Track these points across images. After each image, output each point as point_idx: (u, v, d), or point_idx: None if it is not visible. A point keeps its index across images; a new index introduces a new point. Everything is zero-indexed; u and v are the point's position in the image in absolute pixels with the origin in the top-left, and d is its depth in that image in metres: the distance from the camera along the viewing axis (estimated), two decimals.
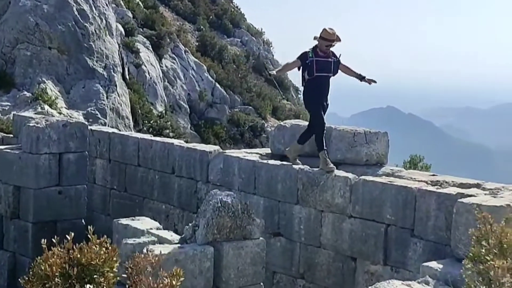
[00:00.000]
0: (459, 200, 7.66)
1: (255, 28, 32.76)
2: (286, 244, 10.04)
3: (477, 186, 8.74)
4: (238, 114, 24.77)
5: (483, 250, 5.38)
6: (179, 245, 7.56)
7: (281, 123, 11.58)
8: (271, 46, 32.77)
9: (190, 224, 7.81)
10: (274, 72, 10.45)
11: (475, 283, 5.38)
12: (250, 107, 25.68)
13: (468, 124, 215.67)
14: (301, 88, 10.16)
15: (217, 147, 11.89)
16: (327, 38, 9.48)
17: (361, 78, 9.99)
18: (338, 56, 9.74)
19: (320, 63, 9.53)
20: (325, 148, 9.52)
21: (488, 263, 5.24)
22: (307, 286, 9.83)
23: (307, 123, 10.28)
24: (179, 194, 11.85)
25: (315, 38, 9.59)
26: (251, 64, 28.02)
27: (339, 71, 9.84)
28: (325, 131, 9.67)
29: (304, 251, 9.83)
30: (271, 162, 10.42)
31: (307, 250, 9.79)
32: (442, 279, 7.24)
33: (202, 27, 28.79)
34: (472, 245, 5.50)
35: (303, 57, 9.57)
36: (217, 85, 25.12)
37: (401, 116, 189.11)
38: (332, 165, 9.45)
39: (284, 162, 10.28)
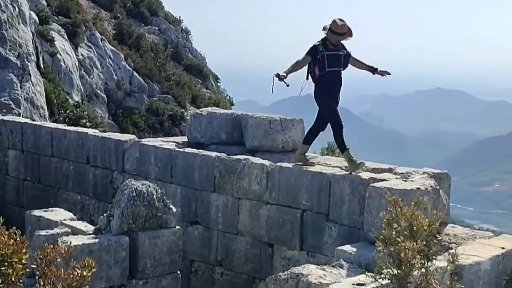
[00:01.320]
0: (372, 184, 7.85)
1: (173, 16, 32.39)
2: (204, 232, 10.03)
3: (389, 170, 8.95)
4: (157, 103, 24.46)
5: (394, 233, 5.52)
6: (93, 235, 7.45)
7: (198, 111, 11.53)
8: (190, 34, 32.49)
9: (104, 214, 7.70)
10: (285, 74, 8.81)
11: (386, 264, 5.52)
12: (169, 96, 25.38)
13: (383, 111, 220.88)
14: (311, 85, 9.12)
15: (132, 136, 11.73)
16: (337, 32, 8.80)
17: (373, 70, 9.30)
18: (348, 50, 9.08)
19: (332, 57, 8.87)
20: (347, 147, 8.88)
21: (399, 245, 5.38)
22: (225, 273, 9.86)
23: (224, 111, 10.24)
24: (94, 185, 11.64)
25: (324, 29, 8.92)
26: (169, 53, 27.67)
27: (349, 65, 9.18)
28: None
29: (222, 239, 9.84)
30: (188, 150, 10.37)
31: (224, 238, 9.81)
32: (356, 262, 7.41)
33: (119, 15, 28.26)
34: (383, 228, 5.64)
35: (313, 51, 8.85)
36: (135, 73, 24.72)
37: None
38: (360, 161, 8.81)
39: (201, 150, 10.25)
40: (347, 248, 7.59)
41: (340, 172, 8.88)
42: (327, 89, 8.98)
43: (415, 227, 5.58)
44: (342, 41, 8.96)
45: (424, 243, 5.51)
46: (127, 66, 24.85)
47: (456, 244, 8.02)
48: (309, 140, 9.41)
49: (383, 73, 9.32)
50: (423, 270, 5.52)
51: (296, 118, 10.47)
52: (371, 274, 5.76)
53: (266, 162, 9.39)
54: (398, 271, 5.42)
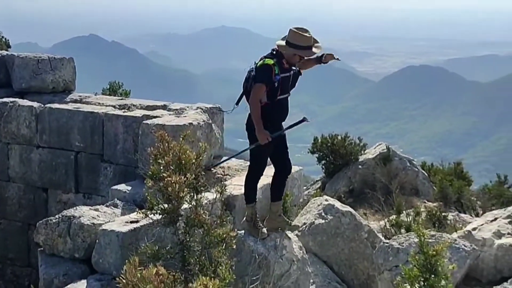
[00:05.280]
0: (144, 121, 7.77)
1: None
2: None
3: (163, 107, 8.92)
4: None
5: (162, 168, 5.50)
6: None
7: None
8: None
9: None
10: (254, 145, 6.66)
11: (156, 200, 5.50)
12: None
13: (170, 50, 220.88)
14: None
15: None
16: (304, 46, 6.41)
17: (320, 60, 6.88)
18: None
19: (285, 80, 6.49)
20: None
21: (166, 179, 5.37)
22: None
23: None
24: None
25: (280, 45, 6.50)
26: None
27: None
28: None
29: None
30: None
31: None
32: (131, 200, 7.35)
33: None
34: (151, 164, 5.59)
35: (268, 76, 6.34)
36: None
37: (104, 44, 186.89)
38: (291, 222, 7.04)
39: None
40: (122, 187, 7.50)
41: (113, 111, 8.68)
42: (272, 123, 6.62)
43: (183, 161, 5.59)
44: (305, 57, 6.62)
45: (194, 176, 5.56)
46: None
47: (230, 176, 8.24)
48: (250, 198, 6.94)
49: (331, 58, 6.92)
50: (193, 202, 5.57)
51: (66, 57, 10.01)
52: (143, 210, 5.72)
53: (35, 104, 8.95)
54: (168, 205, 5.43)
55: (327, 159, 14.20)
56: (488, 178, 15.39)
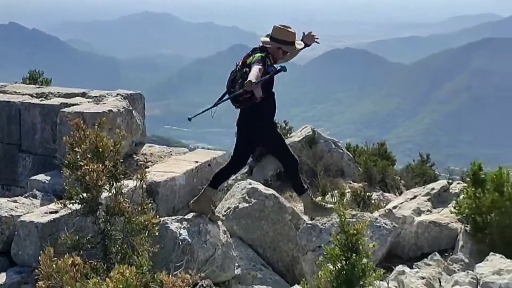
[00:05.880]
0: (62, 110, 7.60)
1: None
2: None
3: (83, 95, 8.75)
4: None
5: (78, 156, 5.39)
6: None
7: None
8: None
9: None
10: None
11: (75, 189, 5.39)
12: None
13: (93, 37, 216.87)
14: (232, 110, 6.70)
15: None
16: (289, 41, 6.64)
17: (305, 43, 6.94)
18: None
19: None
20: (306, 188, 6.83)
21: (83, 168, 5.27)
22: None
23: None
24: None
25: (265, 41, 6.64)
26: None
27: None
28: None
29: None
30: None
31: None
32: (51, 191, 7.19)
33: None
34: (68, 153, 5.47)
35: (264, 64, 6.32)
36: None
37: (25, 32, 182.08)
38: (329, 205, 7.01)
39: None
40: (41, 177, 7.34)
41: (30, 100, 8.45)
42: (269, 118, 6.65)
43: (100, 149, 5.49)
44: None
45: (112, 164, 5.47)
46: None
47: (152, 162, 8.16)
48: (218, 183, 6.79)
49: (312, 39, 7.03)
50: (113, 191, 5.49)
51: None
52: (61, 201, 5.60)
53: None
54: (87, 194, 5.33)
55: None
56: (412, 158, 15.74)
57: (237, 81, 6.38)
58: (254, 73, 6.07)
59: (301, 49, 6.88)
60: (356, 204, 9.95)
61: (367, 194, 10.07)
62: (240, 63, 6.50)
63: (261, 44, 6.62)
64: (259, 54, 6.41)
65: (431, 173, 13.84)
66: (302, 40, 6.91)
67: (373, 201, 10.07)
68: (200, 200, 6.53)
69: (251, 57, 6.43)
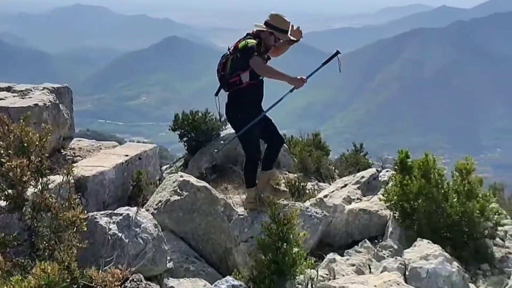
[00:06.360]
0: None
1: None
2: None
3: (8, 89, 8.51)
4: None
5: (2, 152, 5.26)
6: None
7: None
8: None
9: None
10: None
11: (1, 186, 5.26)
12: None
13: (24, 30, 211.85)
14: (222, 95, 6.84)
15: None
16: (282, 28, 6.84)
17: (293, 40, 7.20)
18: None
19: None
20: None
21: (6, 164, 5.15)
22: None
23: None
24: None
25: (259, 25, 6.85)
26: None
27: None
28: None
29: None
30: None
31: None
32: None
33: None
34: None
35: (256, 49, 6.60)
36: None
37: None
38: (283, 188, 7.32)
39: None
40: None
41: None
42: (256, 103, 6.88)
43: (26, 144, 5.37)
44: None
45: (38, 159, 5.35)
46: None
47: (81, 157, 8.01)
48: (254, 180, 7.05)
49: (300, 35, 7.23)
50: (39, 186, 5.38)
51: None
52: None
53: None
54: (12, 190, 5.21)
55: (189, 136, 14.14)
56: (347, 148, 15.96)
57: (229, 65, 6.63)
58: (263, 68, 6.55)
59: (290, 44, 7.14)
60: (291, 194, 10.03)
61: (302, 184, 10.15)
62: (232, 47, 6.70)
63: (254, 29, 6.80)
64: (250, 41, 6.60)
65: (364, 162, 14.07)
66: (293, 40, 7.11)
67: (307, 191, 10.16)
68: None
69: (244, 41, 6.63)
